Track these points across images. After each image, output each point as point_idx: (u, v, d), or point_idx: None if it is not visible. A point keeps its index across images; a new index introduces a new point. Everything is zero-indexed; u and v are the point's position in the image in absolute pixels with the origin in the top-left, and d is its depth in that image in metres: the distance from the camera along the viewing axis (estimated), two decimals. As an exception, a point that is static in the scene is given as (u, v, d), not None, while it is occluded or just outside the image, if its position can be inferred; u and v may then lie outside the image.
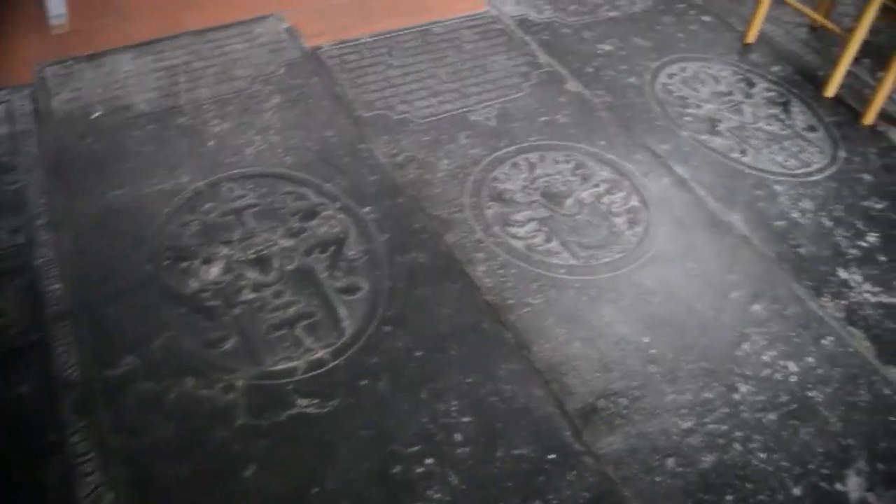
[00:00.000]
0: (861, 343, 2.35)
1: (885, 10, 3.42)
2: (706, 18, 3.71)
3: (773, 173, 2.90)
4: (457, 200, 2.63)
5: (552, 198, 2.67)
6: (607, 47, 3.43)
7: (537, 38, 3.43)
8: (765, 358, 2.28)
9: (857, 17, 3.10)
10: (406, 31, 3.37)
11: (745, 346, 2.30)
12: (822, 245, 2.64)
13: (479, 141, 2.86)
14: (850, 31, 3.14)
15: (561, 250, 2.51)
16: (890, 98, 3.30)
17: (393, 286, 2.37)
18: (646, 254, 2.53)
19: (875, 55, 3.48)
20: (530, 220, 2.59)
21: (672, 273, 2.48)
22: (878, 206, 2.82)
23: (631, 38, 3.50)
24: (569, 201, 2.66)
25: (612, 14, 3.66)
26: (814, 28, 3.70)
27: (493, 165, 2.77)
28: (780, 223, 2.70)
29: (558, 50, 3.37)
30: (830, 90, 3.28)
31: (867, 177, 2.93)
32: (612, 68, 3.31)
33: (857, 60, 3.50)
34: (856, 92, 3.35)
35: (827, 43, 3.59)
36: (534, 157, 2.82)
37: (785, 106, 3.22)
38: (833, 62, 3.25)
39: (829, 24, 3.30)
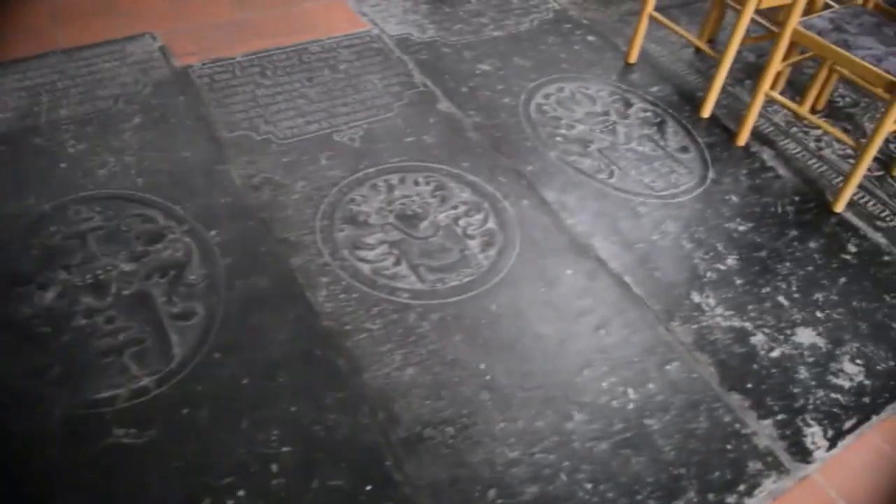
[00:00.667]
0: (706, 369, 2.32)
1: (766, 30, 3.43)
2: (591, 38, 3.69)
3: (638, 195, 2.87)
4: (308, 223, 2.57)
5: (407, 220, 2.62)
6: (486, 67, 3.40)
7: (415, 57, 3.39)
8: (604, 385, 2.24)
9: (742, 39, 3.10)
10: (282, 50, 3.32)
11: (586, 372, 2.26)
12: (679, 268, 2.61)
13: (339, 162, 2.81)
14: (722, 52, 3.13)
15: (408, 274, 2.45)
16: (765, 118, 3.30)
17: (229, 312, 2.30)
18: (496, 277, 2.49)
19: (758, 76, 3.47)
20: (382, 242, 2.54)
21: (521, 297, 2.44)
22: (741, 227, 2.80)
23: (512, 57, 3.48)
24: (424, 224, 2.62)
25: (496, 33, 3.64)
26: (698, 50, 3.70)
27: (351, 187, 2.72)
28: (641, 245, 2.67)
29: (436, 69, 3.33)
30: (706, 111, 3.27)
31: (734, 198, 2.92)
32: (489, 88, 3.27)
33: (739, 81, 3.50)
34: (734, 112, 3.34)
35: (710, 63, 3.59)
36: (394, 178, 2.77)
37: (660, 126, 3.21)
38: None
39: (703, 46, 3.30)
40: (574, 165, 2.95)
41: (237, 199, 2.63)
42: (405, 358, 2.23)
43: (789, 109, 3.03)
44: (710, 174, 3.01)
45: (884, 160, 3.23)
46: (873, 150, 2.78)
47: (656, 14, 3.36)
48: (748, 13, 2.98)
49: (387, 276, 2.44)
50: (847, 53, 2.75)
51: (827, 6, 3.19)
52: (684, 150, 3.11)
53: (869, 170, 3.14)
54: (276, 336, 2.25)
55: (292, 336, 2.26)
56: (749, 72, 3.61)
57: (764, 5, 3.02)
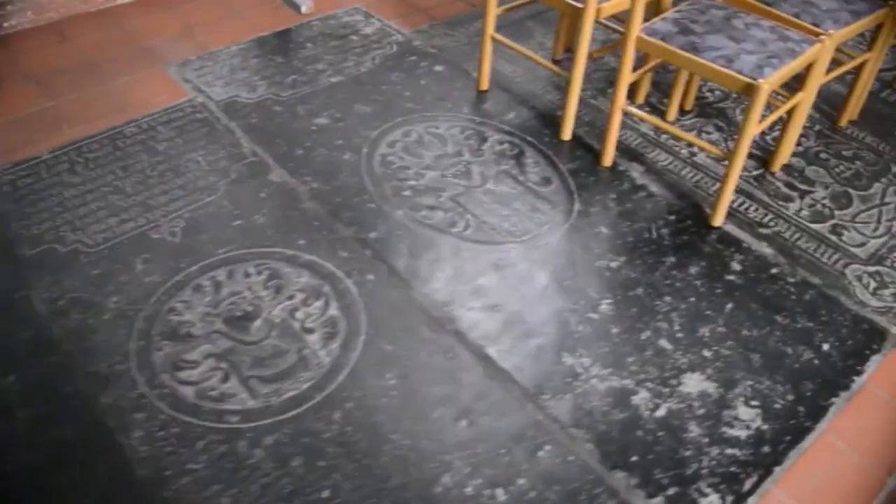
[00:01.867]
0: (583, 447, 2.05)
1: (621, 35, 3.17)
2: (439, 68, 3.40)
3: (499, 244, 2.59)
4: (122, 347, 2.24)
5: (237, 323, 2.30)
6: (323, 121, 3.08)
7: (244, 122, 3.06)
8: (468, 490, 1.95)
9: (592, 50, 2.84)
10: (94, 139, 2.97)
11: (446, 478, 1.97)
12: (548, 326, 2.34)
13: (158, 265, 2.48)
14: (570, 69, 2.86)
15: (239, 391, 2.14)
16: (631, 129, 3.04)
17: (29, 480, 1.96)
18: (339, 376, 2.18)
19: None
20: (207, 356, 2.22)
21: (368, 397, 2.14)
22: (614, 264, 2.53)
23: (352, 105, 3.17)
24: (256, 324, 2.30)
25: (334, 79, 3.33)
26: (556, 61, 3.43)
27: (171, 293, 2.39)
28: (504, 306, 2.41)
29: (267, 133, 3.01)
30: (566, 132, 3.01)
31: (603, 230, 2.65)
32: (326, 146, 2.96)
33: (601, 91, 3.24)
34: (597, 129, 3.08)
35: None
36: (221, 273, 2.45)
37: (518, 159, 2.93)
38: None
39: (548, 64, 3.02)
40: (424, 222, 2.65)
41: (39, 332, 2.29)
42: (235, 500, 1.91)
43: (650, 123, 2.76)
44: (577, 205, 2.74)
45: (761, 156, 2.99)
46: (742, 156, 2.54)
47: (497, 35, 3.08)
48: (588, 26, 2.72)
49: (213, 399, 2.12)
50: (696, 58, 2.50)
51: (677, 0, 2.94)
52: (546, 181, 2.84)
53: (746, 169, 2.90)
54: (84, 501, 1.91)
55: (103, 498, 1.93)
56: (612, 79, 3.35)
57: (603, 15, 2.75)
